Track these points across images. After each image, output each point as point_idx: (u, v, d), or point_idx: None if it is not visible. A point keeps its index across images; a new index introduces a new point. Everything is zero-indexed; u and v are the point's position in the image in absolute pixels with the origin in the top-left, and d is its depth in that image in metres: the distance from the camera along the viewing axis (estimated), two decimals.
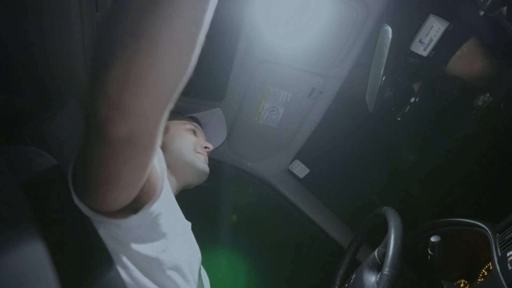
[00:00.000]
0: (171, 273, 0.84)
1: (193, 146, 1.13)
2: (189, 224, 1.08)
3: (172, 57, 0.46)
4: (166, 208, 0.81)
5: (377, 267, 1.00)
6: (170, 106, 0.51)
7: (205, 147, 1.16)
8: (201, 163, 1.11)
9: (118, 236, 0.74)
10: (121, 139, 0.49)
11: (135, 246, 0.77)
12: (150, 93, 0.47)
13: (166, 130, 1.16)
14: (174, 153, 1.10)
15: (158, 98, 0.48)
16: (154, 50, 0.44)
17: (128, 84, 0.45)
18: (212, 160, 1.23)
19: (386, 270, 0.87)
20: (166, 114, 0.51)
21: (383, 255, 0.94)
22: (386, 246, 0.93)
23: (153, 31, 0.43)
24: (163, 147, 1.11)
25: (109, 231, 0.73)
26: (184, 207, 1.03)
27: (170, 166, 1.09)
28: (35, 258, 0.58)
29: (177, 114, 1.23)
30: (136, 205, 0.68)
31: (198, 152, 1.13)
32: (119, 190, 0.60)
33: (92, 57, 0.48)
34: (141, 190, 0.65)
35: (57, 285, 0.57)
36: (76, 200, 0.64)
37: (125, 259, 0.76)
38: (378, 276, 0.91)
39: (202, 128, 1.29)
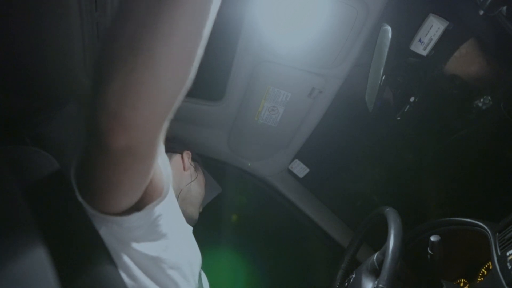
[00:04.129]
0: (172, 273, 0.85)
1: (202, 201, 1.24)
2: (190, 228, 1.09)
3: (171, 71, 0.47)
4: (167, 210, 0.81)
5: (376, 273, 1.00)
6: (170, 116, 0.52)
7: None
8: (197, 216, 1.21)
9: (120, 235, 0.74)
10: (121, 150, 0.50)
11: (136, 245, 0.77)
12: (149, 106, 0.48)
13: (195, 169, 1.26)
14: (188, 194, 1.18)
15: (157, 110, 0.49)
16: (153, 64, 0.45)
17: (128, 97, 0.46)
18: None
19: (382, 283, 0.87)
20: (165, 125, 0.52)
21: (382, 262, 0.94)
22: (385, 255, 0.93)
23: (152, 46, 0.44)
24: (186, 181, 1.20)
25: (111, 230, 0.73)
26: None
27: (178, 198, 1.14)
28: (35, 258, 0.58)
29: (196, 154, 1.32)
30: (138, 205, 0.68)
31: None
32: (121, 196, 0.62)
33: (92, 70, 0.49)
34: (144, 191, 0.66)
35: (58, 286, 0.57)
36: (80, 199, 0.65)
37: (126, 259, 0.76)
38: (376, 283, 0.91)
39: None
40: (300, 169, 1.68)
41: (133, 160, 0.53)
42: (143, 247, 0.78)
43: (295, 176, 1.69)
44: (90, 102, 0.49)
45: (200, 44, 0.47)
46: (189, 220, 1.14)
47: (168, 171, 0.72)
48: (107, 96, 0.46)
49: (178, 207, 0.99)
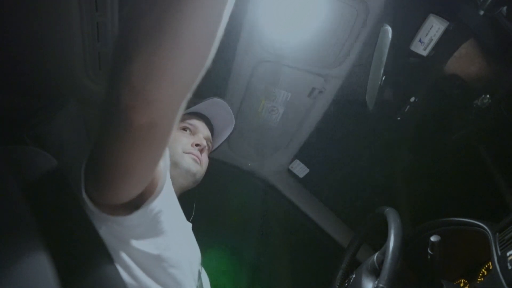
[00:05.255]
0: (173, 271, 0.85)
1: (180, 147, 1.08)
2: (189, 225, 1.08)
3: (193, 50, 0.49)
4: (167, 206, 0.82)
5: (376, 273, 1.00)
6: (189, 96, 0.53)
7: (197, 145, 1.11)
8: (186, 163, 1.06)
9: (120, 234, 0.75)
10: (143, 126, 0.52)
11: (136, 244, 0.77)
12: (172, 83, 0.50)
13: None
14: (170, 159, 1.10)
15: (178, 88, 0.51)
16: (177, 43, 0.47)
17: (152, 74, 0.48)
18: (212, 160, 1.24)
19: (382, 283, 0.87)
20: (184, 103, 0.54)
21: (382, 262, 0.94)
22: (385, 255, 0.93)
23: (177, 26, 0.46)
24: None
25: (111, 230, 0.73)
26: (184, 207, 1.03)
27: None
28: (35, 258, 0.58)
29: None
30: (138, 201, 0.69)
31: (187, 152, 1.09)
32: (133, 181, 0.62)
33: (115, 49, 0.51)
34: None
35: (57, 285, 0.57)
36: (84, 195, 0.65)
37: (127, 258, 0.76)
38: (376, 283, 0.91)
39: (210, 120, 1.27)
40: (300, 169, 1.68)
41: (153, 137, 0.55)
42: (144, 245, 0.78)
43: (295, 176, 1.69)
44: (113, 79, 0.50)
45: (221, 24, 0.49)
46: (187, 174, 1.06)
47: (166, 164, 0.72)
48: (132, 73, 0.48)
49: (178, 204, 0.99)
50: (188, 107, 1.24)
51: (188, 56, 0.49)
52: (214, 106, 1.25)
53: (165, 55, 0.47)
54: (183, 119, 1.17)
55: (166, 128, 0.56)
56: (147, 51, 0.47)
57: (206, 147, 1.15)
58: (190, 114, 1.21)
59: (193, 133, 1.17)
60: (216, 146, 1.35)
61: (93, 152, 0.62)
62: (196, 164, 1.08)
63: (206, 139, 1.18)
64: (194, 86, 0.53)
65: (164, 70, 0.48)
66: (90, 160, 0.64)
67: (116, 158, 0.58)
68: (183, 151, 1.08)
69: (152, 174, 0.65)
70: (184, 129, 1.15)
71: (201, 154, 1.11)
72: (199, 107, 1.23)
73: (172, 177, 1.02)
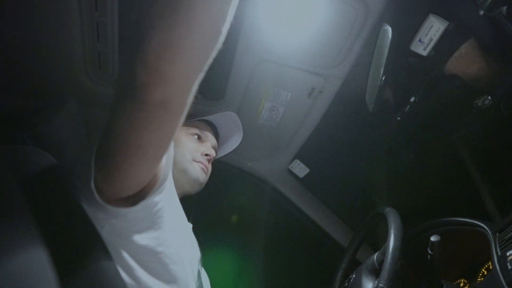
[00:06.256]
0: (174, 268, 0.85)
1: (190, 154, 1.10)
2: (190, 225, 1.09)
3: (206, 28, 0.50)
4: (169, 205, 0.83)
5: (376, 273, 1.00)
6: (201, 76, 0.55)
7: (206, 154, 1.13)
8: (195, 172, 1.08)
9: (123, 231, 0.75)
10: (156, 104, 0.53)
11: (139, 239, 0.77)
12: (186, 60, 0.51)
13: None
14: (174, 165, 1.08)
15: (192, 65, 0.53)
16: (190, 22, 0.48)
17: (167, 52, 0.49)
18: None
19: (382, 283, 0.87)
20: (197, 83, 0.56)
21: (382, 262, 0.95)
22: (385, 255, 0.93)
23: (190, 4, 0.47)
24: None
25: (114, 227, 0.73)
26: (185, 207, 1.03)
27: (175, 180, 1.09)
28: (35, 258, 0.58)
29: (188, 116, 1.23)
30: (142, 195, 0.70)
31: (196, 161, 1.10)
32: (143, 164, 0.63)
33: (130, 27, 0.52)
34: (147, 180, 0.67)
35: (57, 283, 0.57)
36: (93, 186, 0.65)
37: (129, 258, 0.77)
38: (376, 283, 0.91)
39: (217, 129, 1.29)
40: (300, 169, 1.68)
41: (166, 116, 0.56)
42: (146, 240, 0.79)
43: (295, 176, 1.69)
44: (128, 58, 0.52)
45: (231, 3, 0.50)
46: (195, 183, 1.08)
47: (170, 153, 0.72)
48: (147, 51, 0.49)
49: (180, 206, 0.99)
50: (199, 115, 1.26)
51: (201, 34, 0.50)
52: (223, 116, 1.29)
53: (179, 33, 0.49)
54: (192, 125, 1.20)
55: (179, 107, 0.57)
56: (162, 29, 0.48)
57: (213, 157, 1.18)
58: (199, 121, 1.24)
59: (202, 140, 1.19)
60: (219, 155, 1.37)
61: (105, 134, 0.62)
62: (203, 174, 1.11)
63: (213, 147, 1.21)
64: (206, 66, 0.54)
65: (179, 48, 0.49)
66: (100, 144, 0.64)
67: (128, 136, 0.58)
68: (193, 159, 1.10)
69: (161, 158, 0.65)
70: (193, 135, 1.17)
71: (208, 163, 1.14)
72: (209, 117, 1.26)
73: (177, 182, 1.04)
